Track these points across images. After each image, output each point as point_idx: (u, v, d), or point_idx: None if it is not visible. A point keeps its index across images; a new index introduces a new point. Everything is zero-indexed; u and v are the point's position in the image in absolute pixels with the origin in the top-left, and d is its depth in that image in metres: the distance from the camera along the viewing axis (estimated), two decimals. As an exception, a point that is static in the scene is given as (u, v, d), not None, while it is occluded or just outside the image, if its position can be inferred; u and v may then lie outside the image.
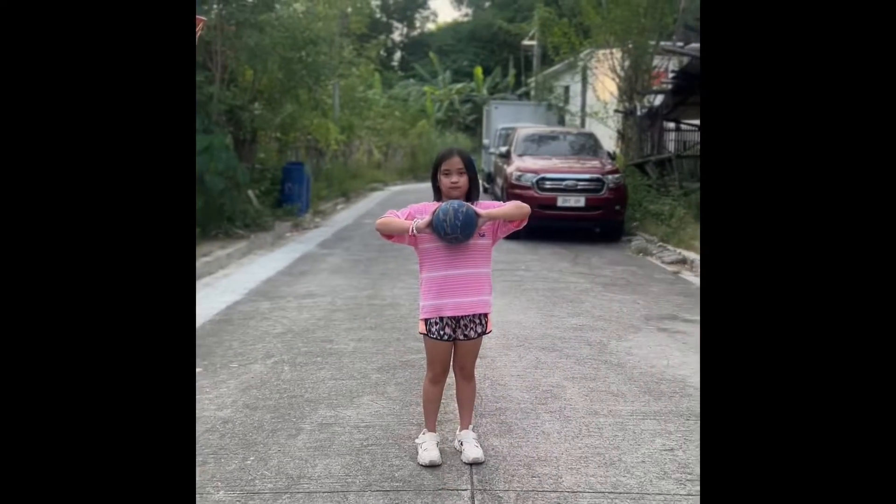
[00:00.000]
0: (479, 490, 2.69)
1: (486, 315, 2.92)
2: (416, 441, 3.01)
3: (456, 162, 2.84)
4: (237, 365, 4.23)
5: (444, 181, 2.85)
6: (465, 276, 2.85)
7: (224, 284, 6.79)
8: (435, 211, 2.72)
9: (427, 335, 2.91)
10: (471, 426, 3.04)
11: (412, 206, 2.91)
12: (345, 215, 13.83)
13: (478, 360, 3.68)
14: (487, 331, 2.95)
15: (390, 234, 2.85)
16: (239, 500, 2.62)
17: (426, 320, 2.89)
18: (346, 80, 17.47)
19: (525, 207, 2.86)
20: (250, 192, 10.82)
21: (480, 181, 16.67)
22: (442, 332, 2.88)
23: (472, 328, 2.90)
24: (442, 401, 3.09)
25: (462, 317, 2.88)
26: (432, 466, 2.85)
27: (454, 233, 2.69)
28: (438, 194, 2.91)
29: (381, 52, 31.00)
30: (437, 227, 2.71)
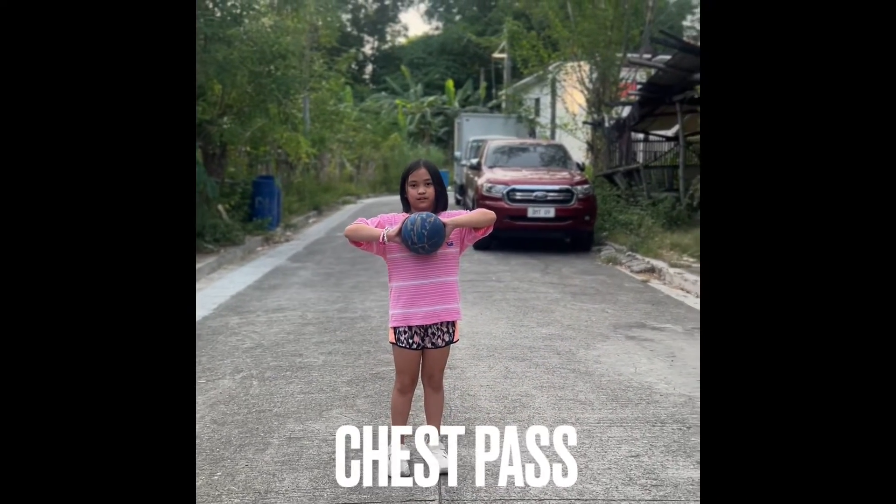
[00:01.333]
0: (448, 500, 2.71)
1: (454, 323, 2.95)
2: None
3: (423, 173, 2.89)
4: (205, 381, 4.19)
5: (412, 192, 2.90)
6: (433, 284, 2.88)
7: (193, 300, 6.72)
8: (404, 221, 2.76)
9: (396, 344, 2.93)
10: (440, 436, 3.06)
11: (382, 215, 2.95)
12: (316, 228, 13.78)
13: (448, 371, 3.69)
14: (455, 339, 2.98)
15: (359, 242, 2.88)
16: (205, 517, 2.60)
17: (395, 329, 2.92)
18: (317, 93, 17.46)
19: (490, 214, 2.90)
20: (220, 207, 10.75)
21: (453, 193, 16.64)
22: (411, 341, 2.90)
23: (440, 336, 2.93)
24: (411, 412, 3.10)
25: (430, 325, 2.91)
26: (404, 477, 2.85)
27: (421, 242, 2.72)
28: (407, 205, 2.95)
29: (353, 66, 31.05)
30: (405, 237, 2.74)
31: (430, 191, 2.88)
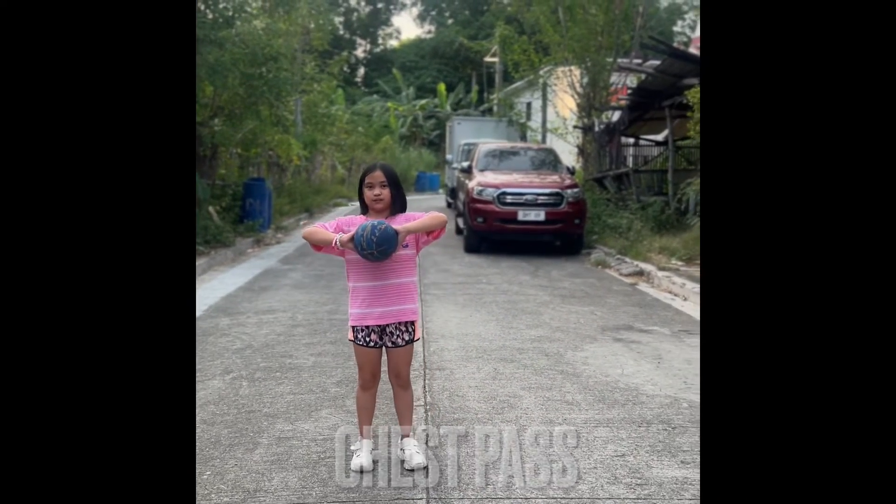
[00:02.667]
0: (435, 499, 2.74)
1: (412, 322, 3.00)
2: (351, 448, 3.08)
3: (378, 175, 2.94)
4: (195, 381, 4.21)
5: (368, 194, 2.95)
6: (390, 286, 2.93)
7: (183, 301, 6.72)
8: (357, 228, 2.80)
9: (354, 342, 3.00)
10: (412, 434, 3.11)
11: (339, 218, 3.00)
12: (307, 231, 13.77)
13: (437, 372, 3.73)
14: (416, 338, 3.03)
15: (318, 245, 2.93)
16: (194, 515, 2.62)
17: (353, 327, 2.98)
18: (309, 96, 17.47)
19: (442, 217, 2.96)
20: (211, 209, 10.74)
21: (443, 196, 16.65)
22: (368, 339, 2.97)
23: (398, 336, 2.99)
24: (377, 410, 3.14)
25: (388, 325, 2.96)
26: (361, 472, 2.91)
27: (370, 248, 2.75)
28: (365, 207, 3.00)
29: (345, 69, 31.07)
30: (356, 244, 2.78)
31: (386, 193, 2.93)
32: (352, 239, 2.77)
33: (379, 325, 2.95)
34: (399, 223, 2.86)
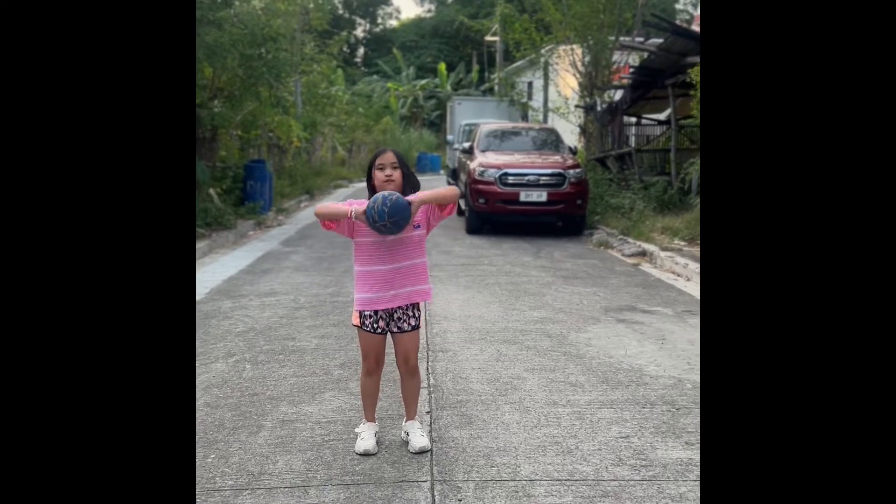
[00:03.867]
0: (439, 481, 2.74)
1: (418, 306, 3.01)
2: (356, 430, 3.11)
3: (389, 157, 2.95)
4: (198, 364, 4.20)
5: (379, 175, 2.93)
6: (402, 268, 2.92)
7: (185, 284, 6.71)
8: (371, 203, 2.78)
9: (361, 328, 2.99)
10: (416, 417, 3.12)
11: (350, 200, 2.96)
12: (308, 213, 13.74)
13: (440, 354, 3.73)
14: (420, 324, 3.04)
15: (331, 221, 2.91)
16: (199, 499, 2.62)
17: (360, 312, 2.96)
18: (308, 76, 17.35)
19: (455, 189, 2.97)
20: (211, 191, 10.70)
21: (445, 177, 16.52)
22: (375, 325, 2.96)
23: (405, 321, 2.99)
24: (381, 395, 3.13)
25: (396, 308, 2.95)
26: (366, 455, 2.95)
27: (382, 220, 2.72)
28: (373, 192, 2.96)
29: (344, 49, 30.84)
30: (368, 215, 2.75)
31: (397, 174, 2.93)
32: (364, 213, 2.75)
33: (388, 310, 2.94)
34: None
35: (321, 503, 2.58)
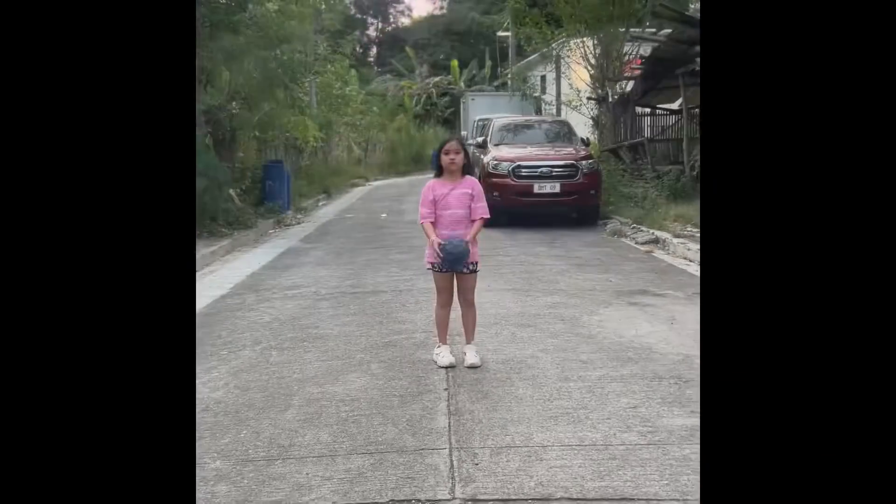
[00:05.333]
0: (457, 448, 2.92)
1: (475, 262, 4.04)
2: (434, 352, 4.06)
3: (455, 144, 4.01)
4: (227, 352, 4.42)
5: (445, 158, 3.94)
6: (457, 234, 3.95)
7: (210, 280, 6.95)
8: (443, 246, 3.85)
9: (432, 268, 4.01)
10: (473, 341, 4.07)
11: (423, 193, 4.01)
12: (326, 211, 13.99)
13: (457, 338, 4.02)
14: (478, 268, 4.08)
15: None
16: (235, 468, 2.82)
17: (432, 263, 3.98)
18: (322, 76, 17.58)
19: (486, 215, 4.07)
20: (231, 191, 10.95)
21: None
22: (443, 269, 3.97)
23: (464, 266, 3.98)
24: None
25: None
26: (451, 367, 3.87)
27: (445, 266, 3.98)
28: (440, 171, 3.99)
29: (357, 49, 31.05)
30: (443, 262, 3.96)
31: (460, 157, 3.93)
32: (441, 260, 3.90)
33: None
34: (467, 185, 3.97)
35: (348, 469, 2.78)
